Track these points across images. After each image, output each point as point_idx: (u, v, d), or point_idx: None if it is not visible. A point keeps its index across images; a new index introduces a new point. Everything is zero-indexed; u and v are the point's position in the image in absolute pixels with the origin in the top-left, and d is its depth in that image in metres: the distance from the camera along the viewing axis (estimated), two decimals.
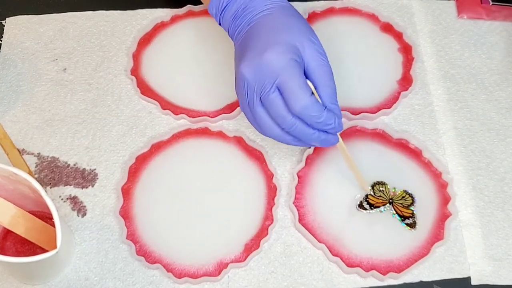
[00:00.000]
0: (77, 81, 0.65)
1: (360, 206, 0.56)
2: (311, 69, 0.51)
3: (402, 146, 0.60)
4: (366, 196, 0.57)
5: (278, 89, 0.49)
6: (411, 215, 0.56)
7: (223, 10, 0.55)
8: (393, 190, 0.57)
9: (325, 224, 0.56)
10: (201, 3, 0.68)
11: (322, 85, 0.50)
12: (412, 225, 0.55)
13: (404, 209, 0.56)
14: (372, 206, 0.56)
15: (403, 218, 0.56)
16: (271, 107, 0.50)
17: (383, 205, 0.56)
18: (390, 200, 0.57)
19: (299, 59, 0.50)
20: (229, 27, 0.55)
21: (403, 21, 0.69)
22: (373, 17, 0.69)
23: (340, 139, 0.53)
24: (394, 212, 0.56)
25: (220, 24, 0.57)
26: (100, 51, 0.67)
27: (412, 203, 0.57)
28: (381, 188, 0.57)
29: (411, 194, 0.57)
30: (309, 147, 0.59)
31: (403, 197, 0.57)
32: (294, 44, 0.50)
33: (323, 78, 0.51)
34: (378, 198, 0.57)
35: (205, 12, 0.69)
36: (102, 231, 0.56)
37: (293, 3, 0.70)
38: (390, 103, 0.63)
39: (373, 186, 0.57)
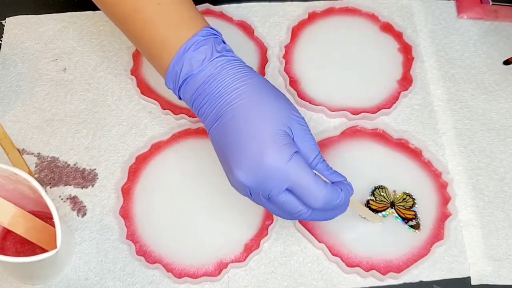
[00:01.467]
0: (77, 81, 0.65)
1: None
2: (298, 143, 0.46)
3: (402, 146, 0.60)
4: (368, 201, 0.57)
5: (287, 189, 0.45)
6: (414, 216, 0.56)
7: (180, 86, 0.49)
8: (393, 193, 0.57)
9: (325, 224, 0.56)
10: (201, 2, 0.68)
11: (311, 156, 0.47)
12: (416, 227, 0.55)
13: (406, 211, 0.56)
14: (374, 211, 0.56)
15: (406, 220, 0.56)
16: (285, 207, 0.46)
17: (385, 209, 0.56)
18: (392, 204, 0.57)
19: (294, 143, 0.46)
20: (192, 106, 0.49)
21: (403, 21, 0.69)
22: (373, 17, 0.69)
23: (352, 200, 0.50)
24: (397, 215, 0.56)
25: (180, 98, 0.51)
26: (100, 51, 0.67)
27: (414, 204, 0.57)
28: (381, 193, 0.57)
29: (412, 195, 0.57)
30: None
31: (404, 199, 0.57)
32: (285, 131, 0.45)
33: (310, 149, 0.47)
34: (379, 203, 0.57)
35: (205, 11, 0.69)
36: (102, 231, 0.56)
37: (294, 3, 0.70)
38: (390, 103, 0.63)
39: (373, 191, 0.57)
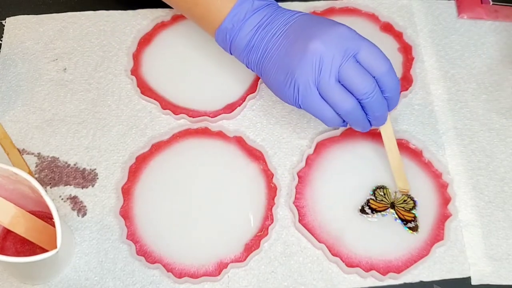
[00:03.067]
0: (77, 81, 0.65)
1: (362, 210, 0.56)
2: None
3: (403, 146, 0.60)
4: (368, 200, 0.57)
5: (355, 58, 0.51)
6: (413, 218, 0.56)
7: (242, 24, 0.54)
8: (394, 194, 0.57)
9: (325, 224, 0.56)
10: None
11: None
12: (414, 229, 0.55)
13: (406, 212, 0.56)
14: (373, 210, 0.56)
15: (405, 222, 0.56)
16: (352, 76, 0.50)
17: (385, 210, 0.56)
18: (392, 204, 0.57)
19: None
20: (252, 37, 0.54)
21: (403, 21, 0.69)
22: (373, 17, 0.69)
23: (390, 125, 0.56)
24: (396, 216, 0.56)
25: (230, 44, 0.56)
26: (100, 51, 0.67)
27: (414, 207, 0.57)
28: (382, 192, 0.57)
29: (413, 198, 0.57)
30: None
31: (404, 200, 0.57)
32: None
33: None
34: (379, 203, 0.57)
35: None
36: (102, 231, 0.56)
37: (294, 3, 0.70)
38: None
39: (374, 191, 0.57)
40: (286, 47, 0.52)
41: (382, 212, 0.56)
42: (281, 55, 0.52)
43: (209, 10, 0.55)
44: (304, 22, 0.53)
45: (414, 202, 0.57)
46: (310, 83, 0.51)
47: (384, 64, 0.51)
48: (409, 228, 0.55)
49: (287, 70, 0.52)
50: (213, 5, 0.55)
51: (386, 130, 0.56)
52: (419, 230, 0.55)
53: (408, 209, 0.56)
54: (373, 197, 0.57)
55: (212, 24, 0.56)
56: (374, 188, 0.58)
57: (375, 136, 0.61)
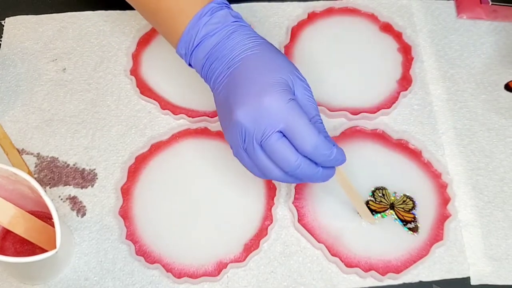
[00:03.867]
0: (76, 81, 0.65)
1: None
2: (300, 104, 0.48)
3: (402, 146, 0.60)
4: (367, 202, 0.57)
5: (281, 133, 0.47)
6: (413, 219, 0.56)
7: (193, 50, 0.51)
8: (393, 195, 0.57)
9: (324, 224, 0.56)
10: None
11: (313, 120, 0.49)
12: (414, 229, 0.55)
13: (405, 213, 0.56)
14: (373, 212, 0.56)
15: (405, 222, 0.56)
16: (275, 152, 0.47)
17: (384, 211, 0.56)
18: (391, 205, 0.57)
19: (295, 98, 0.48)
20: (202, 68, 0.52)
21: (403, 21, 0.69)
22: (372, 17, 0.69)
23: (341, 169, 0.51)
24: (396, 217, 0.56)
25: (190, 65, 0.54)
26: (100, 51, 0.67)
27: (413, 207, 0.57)
28: (381, 194, 0.57)
29: (412, 198, 0.57)
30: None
31: (404, 201, 0.57)
32: (287, 83, 0.48)
33: (311, 112, 0.49)
34: (379, 204, 0.57)
35: None
36: (101, 231, 0.56)
37: (293, 3, 0.70)
38: (389, 103, 0.63)
39: (373, 192, 0.57)
40: (225, 98, 0.50)
41: (382, 213, 0.56)
42: (222, 103, 0.50)
43: (166, 33, 0.55)
44: (242, 71, 0.49)
45: (414, 202, 0.57)
46: (239, 148, 0.49)
47: (309, 143, 0.46)
48: (409, 228, 0.55)
49: (226, 121, 0.50)
50: (170, 27, 0.53)
51: (338, 174, 0.52)
52: (419, 230, 0.55)
53: (407, 210, 0.56)
54: (372, 199, 0.57)
55: (174, 44, 0.54)
56: (373, 189, 0.57)
57: (374, 136, 0.61)
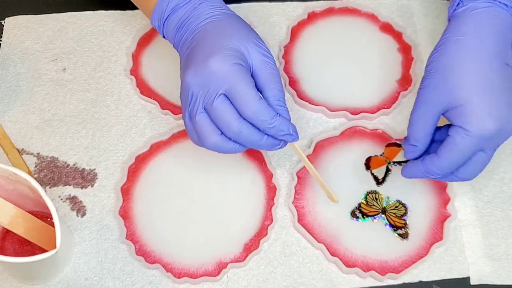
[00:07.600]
0: (76, 81, 0.65)
1: (353, 214, 0.56)
2: (257, 71, 0.50)
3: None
4: (359, 204, 0.57)
5: (226, 96, 0.48)
6: (403, 225, 0.56)
7: (165, 21, 0.54)
8: (386, 200, 0.57)
9: (324, 224, 0.56)
10: None
11: (268, 86, 0.50)
12: (404, 236, 0.55)
13: (397, 219, 0.56)
14: (364, 215, 0.56)
15: (395, 228, 0.56)
16: (218, 115, 0.48)
17: (376, 215, 0.56)
18: (383, 210, 0.56)
19: (245, 64, 0.49)
20: (174, 38, 0.54)
21: (403, 21, 0.69)
22: (372, 17, 0.69)
23: (296, 145, 0.52)
24: (387, 221, 0.56)
25: (164, 36, 0.55)
26: (100, 51, 0.67)
27: (405, 213, 0.56)
28: (374, 197, 0.57)
29: (405, 204, 0.57)
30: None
31: (396, 207, 0.57)
32: (239, 49, 0.49)
33: (269, 79, 0.50)
34: (371, 207, 0.57)
35: None
36: (101, 231, 0.56)
37: (293, 3, 0.70)
38: (389, 103, 0.63)
39: (366, 195, 0.57)
40: (183, 63, 0.51)
41: (373, 217, 0.56)
42: (181, 68, 0.52)
43: (142, 6, 0.58)
44: (200, 37, 0.51)
45: (406, 208, 0.56)
46: (186, 111, 0.50)
47: (249, 107, 0.47)
48: (399, 234, 0.55)
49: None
50: (145, 0, 0.56)
51: (294, 148, 0.52)
52: (409, 237, 0.55)
53: (399, 216, 0.56)
54: (364, 202, 0.57)
55: (148, 16, 0.57)
56: (366, 192, 0.57)
57: (374, 136, 0.61)
